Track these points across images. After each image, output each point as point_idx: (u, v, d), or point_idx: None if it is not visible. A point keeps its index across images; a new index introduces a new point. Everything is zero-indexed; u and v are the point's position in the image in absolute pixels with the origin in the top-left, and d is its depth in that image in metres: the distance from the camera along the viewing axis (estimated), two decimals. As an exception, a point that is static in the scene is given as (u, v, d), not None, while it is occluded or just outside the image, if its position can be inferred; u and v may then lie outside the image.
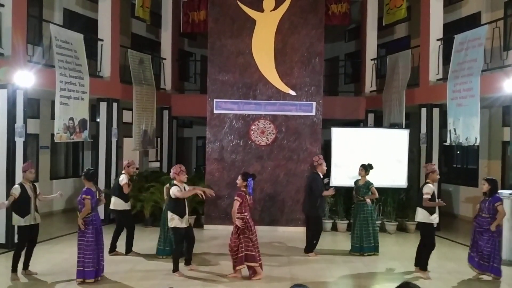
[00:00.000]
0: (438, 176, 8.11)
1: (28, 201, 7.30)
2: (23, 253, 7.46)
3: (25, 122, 9.40)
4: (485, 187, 7.61)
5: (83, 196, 7.07)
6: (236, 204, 7.35)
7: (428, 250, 7.84)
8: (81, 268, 7.02)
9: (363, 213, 9.19)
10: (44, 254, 8.57)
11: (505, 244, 8.96)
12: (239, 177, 7.69)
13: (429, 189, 7.70)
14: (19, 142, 9.30)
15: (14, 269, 7.34)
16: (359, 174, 9.27)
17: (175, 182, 7.81)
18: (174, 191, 7.63)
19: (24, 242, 7.38)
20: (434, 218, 7.75)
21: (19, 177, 9.18)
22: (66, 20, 13.34)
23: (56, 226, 11.36)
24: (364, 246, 9.15)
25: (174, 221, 7.65)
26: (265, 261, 8.53)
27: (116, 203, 8.79)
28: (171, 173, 8.07)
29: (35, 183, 7.66)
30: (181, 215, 7.65)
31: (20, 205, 7.24)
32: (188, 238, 7.89)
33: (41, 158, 12.94)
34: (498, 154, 12.33)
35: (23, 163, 9.24)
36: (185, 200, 7.80)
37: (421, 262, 7.90)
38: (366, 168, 9.22)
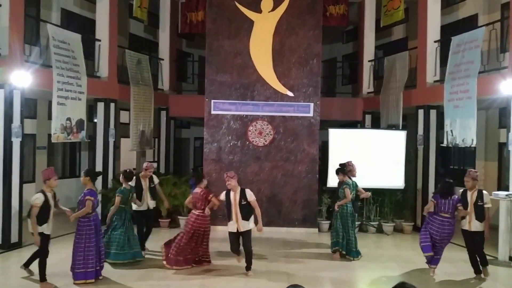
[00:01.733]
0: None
1: (48, 210, 6.97)
2: (28, 254, 7.40)
3: (22, 122, 9.38)
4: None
5: (87, 197, 6.97)
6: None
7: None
8: (82, 270, 6.98)
9: (342, 217, 8.89)
10: (41, 254, 8.53)
11: (502, 245, 9.02)
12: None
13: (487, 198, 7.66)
14: (16, 142, 9.28)
15: (42, 279, 7.04)
16: (339, 180, 9.03)
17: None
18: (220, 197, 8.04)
19: (46, 249, 7.06)
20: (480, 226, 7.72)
21: (16, 177, 9.19)
22: (63, 20, 13.33)
23: (53, 227, 11.27)
24: (352, 250, 8.94)
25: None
26: (263, 262, 8.56)
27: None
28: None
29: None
30: (229, 219, 7.85)
31: (40, 213, 6.84)
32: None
33: (38, 159, 12.91)
34: (495, 155, 12.36)
35: (20, 163, 9.25)
36: (234, 205, 7.73)
37: (482, 261, 7.82)
38: (338, 172, 9.02)
